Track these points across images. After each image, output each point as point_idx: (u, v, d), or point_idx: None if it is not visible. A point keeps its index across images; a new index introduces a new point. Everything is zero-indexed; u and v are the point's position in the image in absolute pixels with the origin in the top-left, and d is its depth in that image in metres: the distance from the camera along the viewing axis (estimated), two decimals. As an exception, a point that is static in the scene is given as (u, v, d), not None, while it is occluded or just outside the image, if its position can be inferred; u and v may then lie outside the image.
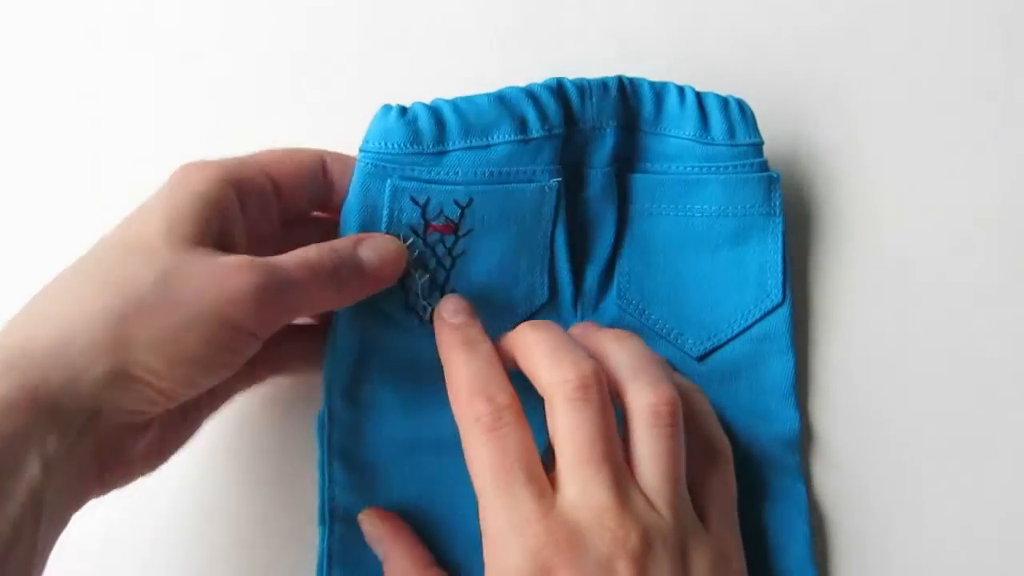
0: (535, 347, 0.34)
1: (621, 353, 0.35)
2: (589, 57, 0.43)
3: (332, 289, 0.34)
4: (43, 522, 0.29)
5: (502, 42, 0.45)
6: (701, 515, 0.34)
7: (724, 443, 0.37)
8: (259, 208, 0.35)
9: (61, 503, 0.30)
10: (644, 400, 0.34)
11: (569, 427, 0.32)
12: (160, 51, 0.45)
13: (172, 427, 0.35)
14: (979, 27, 0.45)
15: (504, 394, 0.33)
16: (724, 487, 0.36)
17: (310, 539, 0.38)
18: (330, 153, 0.37)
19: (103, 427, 0.31)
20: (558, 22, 0.45)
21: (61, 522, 0.31)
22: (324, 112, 0.44)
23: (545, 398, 0.34)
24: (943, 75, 0.45)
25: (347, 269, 0.35)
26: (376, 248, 0.36)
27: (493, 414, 0.33)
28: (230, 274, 0.31)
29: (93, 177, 0.44)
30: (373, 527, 0.37)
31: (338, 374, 0.38)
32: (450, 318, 0.36)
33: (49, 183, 0.44)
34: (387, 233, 0.37)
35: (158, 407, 0.32)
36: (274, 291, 0.32)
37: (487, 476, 0.32)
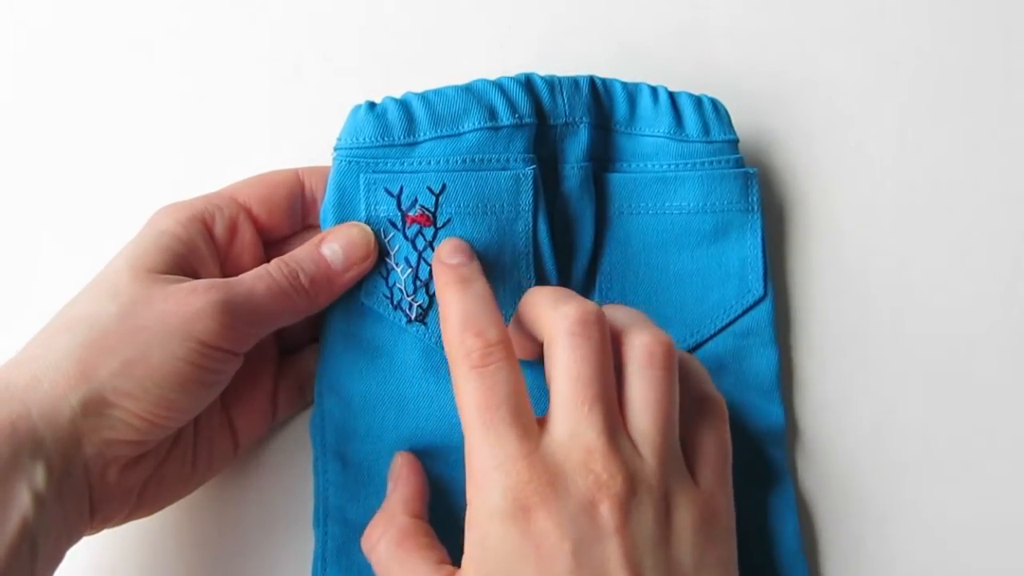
0: (539, 296, 0.34)
1: (621, 311, 0.35)
2: (589, 57, 0.44)
3: (296, 294, 0.35)
4: (39, 556, 0.30)
5: (502, 42, 0.45)
6: (692, 470, 0.34)
7: (718, 401, 0.36)
8: (233, 235, 0.36)
9: (54, 537, 0.31)
10: (640, 340, 0.33)
11: (566, 363, 0.32)
12: (158, 53, 0.46)
13: (175, 468, 0.36)
14: (961, 25, 0.46)
15: (495, 330, 0.33)
16: (717, 444, 0.35)
17: (308, 540, 0.38)
18: (305, 169, 0.38)
19: (91, 459, 0.32)
20: (558, 22, 0.46)
21: (56, 556, 0.32)
22: (320, 114, 0.44)
23: (546, 339, 0.33)
24: (923, 72, 0.46)
25: (308, 272, 0.36)
26: (338, 238, 0.36)
27: (483, 350, 0.32)
28: (189, 294, 0.32)
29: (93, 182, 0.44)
30: (395, 465, 0.37)
31: (330, 374, 0.38)
32: (447, 259, 0.36)
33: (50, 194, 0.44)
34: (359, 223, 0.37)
35: (143, 435, 0.33)
36: (233, 305, 0.33)
37: (473, 413, 0.32)
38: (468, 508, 0.32)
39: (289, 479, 0.40)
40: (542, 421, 0.32)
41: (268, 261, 0.37)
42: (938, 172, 0.44)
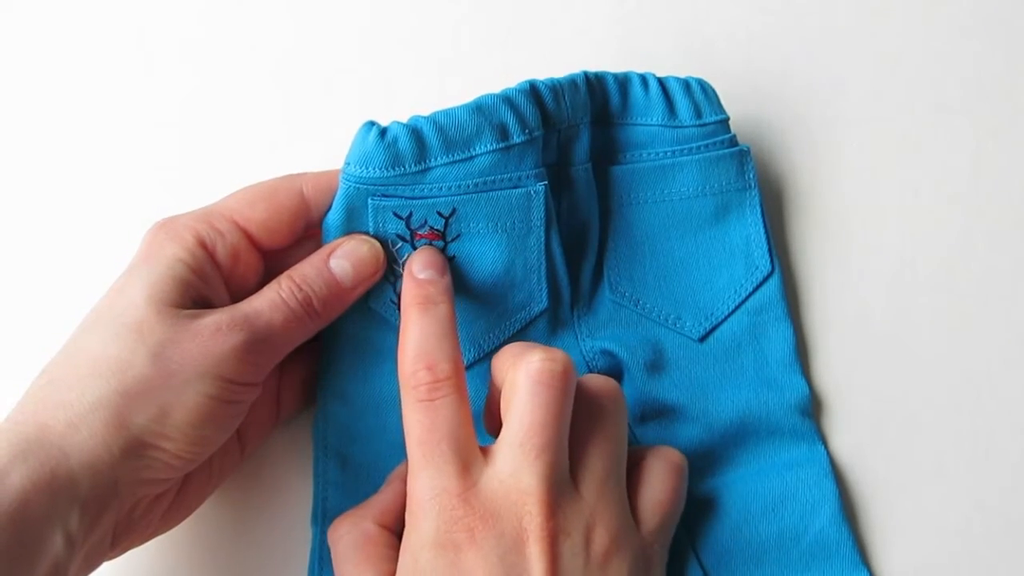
0: (509, 350, 0.34)
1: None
2: (589, 57, 0.44)
3: (310, 319, 0.35)
4: None
5: (503, 43, 0.45)
6: (636, 515, 0.34)
7: (675, 454, 0.37)
8: (235, 261, 0.36)
9: (79, 571, 0.31)
10: (593, 381, 0.35)
11: (522, 406, 0.32)
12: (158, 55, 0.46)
13: (193, 490, 0.36)
14: (962, 24, 0.47)
15: (447, 364, 0.33)
16: (666, 493, 0.35)
17: (307, 539, 0.38)
18: (311, 184, 0.37)
19: (123, 499, 0.32)
20: (557, 23, 0.46)
21: None
22: (322, 113, 0.45)
23: (507, 383, 0.33)
24: (924, 71, 0.46)
25: (320, 295, 0.35)
26: (348, 256, 0.36)
27: (431, 384, 0.33)
28: (215, 333, 0.33)
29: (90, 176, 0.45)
30: (396, 471, 0.37)
31: (334, 377, 0.38)
32: (417, 273, 0.36)
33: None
34: (368, 236, 0.37)
35: (177, 471, 0.33)
36: (257, 341, 0.33)
37: (415, 444, 0.32)
38: (404, 532, 0.33)
39: (288, 478, 0.40)
40: (488, 451, 0.33)
41: (267, 269, 0.37)
42: (939, 171, 0.45)
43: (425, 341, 0.34)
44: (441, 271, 0.36)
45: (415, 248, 0.37)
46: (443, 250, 0.38)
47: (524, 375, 0.32)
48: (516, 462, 0.32)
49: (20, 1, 0.47)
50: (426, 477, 0.32)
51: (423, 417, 0.32)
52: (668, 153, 0.40)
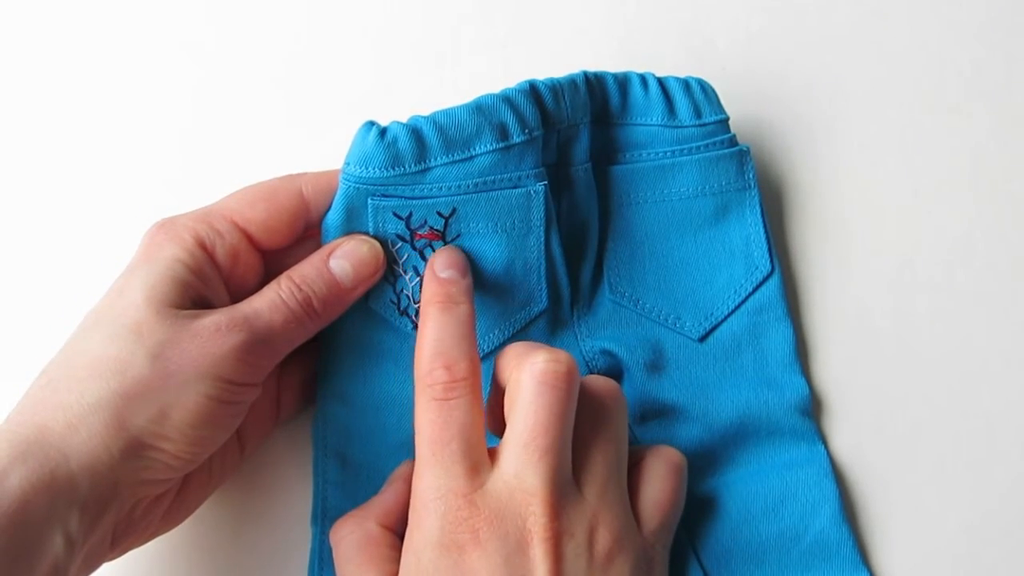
0: (513, 349, 0.34)
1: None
2: (589, 57, 0.44)
3: (310, 320, 0.35)
4: None
5: (502, 43, 0.46)
6: (637, 515, 0.34)
7: (676, 455, 0.37)
8: (235, 261, 0.36)
9: (79, 572, 0.31)
10: (594, 384, 0.35)
11: (526, 407, 0.32)
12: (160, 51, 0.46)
13: (193, 490, 0.36)
14: (962, 24, 0.47)
15: (466, 363, 0.33)
16: (667, 494, 0.35)
17: (307, 538, 0.38)
18: (310, 185, 0.37)
19: (123, 500, 0.32)
20: (559, 23, 0.46)
21: None
22: (322, 113, 0.45)
23: (511, 382, 0.33)
24: (925, 71, 0.46)
25: (320, 295, 0.35)
26: (347, 256, 0.36)
27: (448, 383, 0.33)
28: (214, 333, 0.33)
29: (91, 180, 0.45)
30: (397, 471, 0.37)
31: (333, 376, 0.38)
32: (439, 272, 0.36)
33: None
34: (368, 236, 0.37)
35: (177, 472, 0.33)
36: (256, 342, 0.33)
37: (425, 443, 0.32)
38: (407, 531, 0.33)
39: (288, 478, 0.40)
40: (492, 452, 0.33)
41: (267, 269, 0.37)
42: (939, 171, 0.45)
43: (444, 340, 0.34)
44: (463, 271, 0.36)
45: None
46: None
47: (528, 376, 0.32)
48: (520, 463, 0.32)
49: (21, 1, 0.47)
50: (432, 476, 0.32)
51: (436, 416, 0.32)
52: (668, 153, 0.40)
